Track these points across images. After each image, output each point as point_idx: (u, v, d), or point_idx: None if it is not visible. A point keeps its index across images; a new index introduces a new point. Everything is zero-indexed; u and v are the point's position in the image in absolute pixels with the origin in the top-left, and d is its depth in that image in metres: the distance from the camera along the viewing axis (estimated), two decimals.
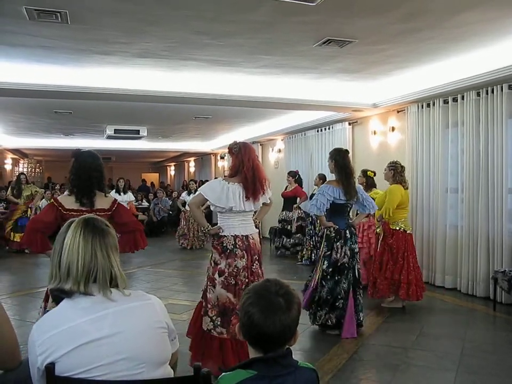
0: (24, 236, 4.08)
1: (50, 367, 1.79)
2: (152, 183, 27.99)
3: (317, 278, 5.68)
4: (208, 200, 4.42)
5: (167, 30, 5.49)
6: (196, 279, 9.13)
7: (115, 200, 4.14)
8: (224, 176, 4.69)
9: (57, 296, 1.95)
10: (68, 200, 3.92)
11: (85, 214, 3.67)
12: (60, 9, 4.75)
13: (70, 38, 5.70)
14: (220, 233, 4.42)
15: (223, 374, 1.75)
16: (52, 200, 4.12)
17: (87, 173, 3.96)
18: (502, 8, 4.84)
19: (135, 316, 1.97)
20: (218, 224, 4.50)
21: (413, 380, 4.48)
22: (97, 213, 3.82)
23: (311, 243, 10.23)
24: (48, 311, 3.69)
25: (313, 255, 10.11)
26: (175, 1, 4.60)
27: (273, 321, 1.73)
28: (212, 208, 4.50)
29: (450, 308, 6.94)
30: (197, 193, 4.58)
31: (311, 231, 10.30)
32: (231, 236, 4.38)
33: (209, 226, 4.56)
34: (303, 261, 10.32)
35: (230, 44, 5.96)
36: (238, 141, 4.63)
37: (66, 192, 4.10)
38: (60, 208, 3.87)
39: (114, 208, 4.03)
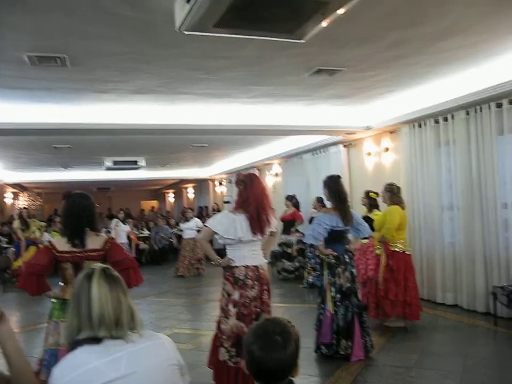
0: (20, 279, 4.06)
1: None
2: (152, 207, 28.18)
3: (330, 307, 5.67)
4: (216, 233, 4.51)
5: (161, 68, 5.69)
6: (199, 307, 9.23)
7: (108, 239, 4.12)
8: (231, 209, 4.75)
9: (76, 344, 2.07)
10: (60, 242, 3.95)
11: (77, 255, 3.82)
12: (59, 54, 4.97)
13: (68, 79, 5.91)
14: (231, 265, 4.53)
15: None
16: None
17: (77, 213, 3.97)
18: (481, 34, 5.04)
19: (148, 355, 2.10)
20: (227, 256, 4.59)
21: None
22: (90, 253, 3.89)
23: (311, 265, 10.30)
24: (47, 349, 3.82)
25: (310, 277, 10.21)
26: (166, 41, 4.78)
27: (271, 358, 1.90)
28: (220, 241, 4.57)
29: (451, 325, 7.01)
30: (205, 228, 4.67)
31: (309, 254, 10.39)
32: (242, 266, 4.47)
33: (219, 259, 4.63)
34: (306, 284, 10.38)
35: (222, 77, 6.15)
36: (242, 174, 4.73)
37: (59, 234, 4.14)
38: (54, 250, 3.92)
39: (107, 247, 4.00)
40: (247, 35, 4.06)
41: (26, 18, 4.11)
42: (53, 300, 4.03)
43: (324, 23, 3.80)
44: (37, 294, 3.98)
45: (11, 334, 2.18)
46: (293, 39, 4.07)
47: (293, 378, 1.99)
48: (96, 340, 2.05)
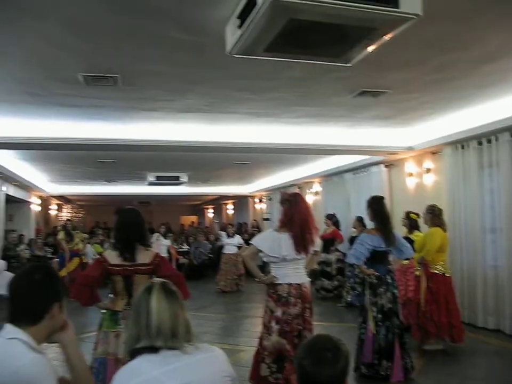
0: (73, 290, 4.23)
1: None
2: (192, 222, 28.47)
3: (372, 327, 5.67)
4: (261, 251, 4.61)
5: (208, 88, 5.85)
6: (238, 322, 9.31)
7: (157, 254, 4.27)
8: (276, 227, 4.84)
9: (135, 352, 2.20)
10: (112, 255, 4.11)
11: (127, 269, 3.97)
12: (112, 74, 5.19)
13: (119, 98, 6.14)
14: (274, 282, 4.60)
15: None
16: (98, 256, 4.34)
17: (127, 228, 4.15)
18: None
19: (203, 367, 2.22)
20: (271, 274, 4.67)
21: None
22: (139, 267, 4.06)
23: (349, 285, 10.30)
24: (97, 358, 3.97)
25: (349, 296, 10.21)
26: (215, 63, 4.94)
27: (322, 372, 2.00)
28: (264, 259, 4.67)
29: (493, 350, 6.92)
30: (250, 245, 4.77)
31: (348, 273, 10.39)
32: (286, 284, 4.55)
33: (263, 276, 4.72)
34: (344, 303, 10.37)
35: (267, 98, 6.28)
36: (288, 193, 4.83)
37: (110, 248, 4.33)
38: (105, 263, 4.09)
39: (156, 262, 4.15)
40: (294, 59, 4.18)
41: (83, 42, 4.33)
42: (103, 311, 4.19)
43: (371, 48, 3.90)
44: (88, 305, 4.18)
45: (73, 341, 2.32)
46: (340, 63, 4.16)
47: None
48: (153, 349, 2.16)
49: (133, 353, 2.20)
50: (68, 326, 2.33)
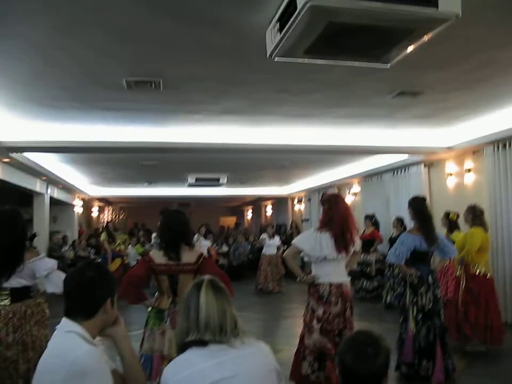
0: (120, 289, 4.27)
1: None
2: (228, 226, 28.56)
3: (412, 327, 5.66)
4: (302, 251, 4.68)
5: (248, 90, 5.95)
6: (278, 323, 9.37)
7: (201, 254, 4.37)
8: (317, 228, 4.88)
9: (185, 345, 2.30)
10: (157, 255, 4.23)
11: (173, 268, 4.08)
12: (154, 78, 5.33)
13: (160, 101, 6.28)
14: (316, 281, 4.67)
15: None
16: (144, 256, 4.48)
17: (172, 228, 4.25)
18: None
19: (250, 360, 2.30)
20: (313, 273, 4.74)
21: None
22: (184, 267, 4.16)
23: (389, 285, 10.26)
24: (143, 354, 4.09)
25: (389, 297, 10.17)
26: (255, 66, 5.04)
27: (362, 367, 2.08)
28: (305, 258, 4.76)
29: None
30: (292, 245, 4.83)
31: (388, 273, 10.35)
32: (327, 283, 4.62)
33: (305, 275, 4.78)
34: (384, 304, 10.33)
35: (307, 99, 6.34)
36: (329, 194, 4.89)
37: (155, 246, 4.46)
38: (151, 263, 4.21)
39: (200, 262, 4.23)
40: (334, 60, 4.23)
41: (126, 48, 4.48)
42: (149, 309, 4.32)
43: (410, 49, 3.92)
44: (135, 303, 4.30)
45: (125, 335, 2.44)
46: (379, 65, 4.20)
47: None
48: (202, 343, 2.26)
49: (183, 347, 2.31)
50: (120, 321, 2.45)
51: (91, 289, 2.29)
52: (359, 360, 2.08)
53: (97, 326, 2.32)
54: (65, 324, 2.25)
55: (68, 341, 2.16)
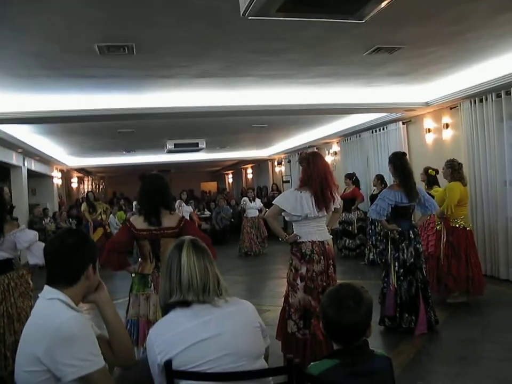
0: (102, 256, 4.27)
1: (168, 363, 2.17)
2: (209, 191, 28.55)
3: (394, 281, 5.77)
4: (284, 211, 4.69)
5: (224, 52, 5.87)
6: (263, 284, 9.47)
7: (182, 217, 4.40)
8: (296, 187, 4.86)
9: (168, 307, 2.32)
10: (138, 221, 4.23)
11: (154, 233, 4.07)
12: (127, 42, 5.23)
13: (135, 66, 6.17)
14: (298, 240, 4.70)
15: (311, 363, 2.16)
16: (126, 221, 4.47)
17: (151, 193, 4.24)
18: None
19: (234, 318, 2.33)
20: (294, 232, 4.76)
21: (481, 372, 4.60)
22: (165, 231, 4.17)
23: (371, 242, 10.40)
24: (129, 320, 4.12)
25: (371, 254, 10.32)
26: (229, 27, 4.95)
27: (344, 319, 2.13)
28: (287, 218, 4.75)
29: None
30: (273, 206, 4.83)
31: (370, 231, 10.47)
32: (309, 241, 4.64)
33: (287, 235, 4.80)
34: (367, 262, 10.47)
35: (283, 59, 6.27)
36: (306, 152, 4.89)
37: (136, 213, 4.44)
38: (132, 228, 4.20)
39: (181, 225, 4.25)
40: (308, 18, 4.18)
41: (98, 11, 4.36)
42: (133, 275, 4.33)
43: (384, 3, 3.87)
44: (118, 269, 4.30)
45: (108, 300, 2.45)
46: (354, 20, 4.15)
47: (367, 339, 2.21)
48: (185, 303, 2.28)
49: (167, 308, 2.33)
50: (103, 287, 2.45)
51: (72, 256, 2.28)
52: (342, 312, 2.12)
53: (80, 292, 2.32)
54: (48, 292, 2.24)
55: (51, 308, 2.16)
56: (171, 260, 2.37)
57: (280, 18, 4.06)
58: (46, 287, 2.26)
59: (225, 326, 2.28)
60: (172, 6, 4.34)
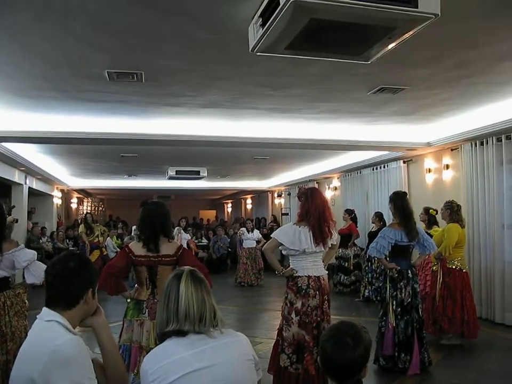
0: (100, 279, 4.25)
1: None
2: (208, 219, 28.54)
3: (392, 320, 5.76)
4: (282, 245, 4.72)
5: (230, 84, 5.95)
6: (257, 315, 9.44)
7: (180, 246, 4.43)
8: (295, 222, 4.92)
9: (164, 335, 2.35)
10: (137, 247, 4.27)
11: (152, 260, 4.10)
12: (136, 70, 5.33)
13: (142, 93, 6.26)
14: (294, 275, 4.71)
15: None
16: (124, 247, 4.50)
17: (152, 220, 4.28)
18: None
19: (229, 350, 2.36)
20: (291, 266, 4.78)
21: None
22: (163, 258, 4.20)
23: (367, 279, 10.39)
24: (121, 345, 4.13)
25: (366, 291, 10.30)
26: (237, 60, 5.05)
27: (341, 356, 2.15)
28: (284, 252, 4.78)
29: (510, 345, 6.96)
30: (271, 239, 4.87)
31: (367, 268, 10.46)
32: (305, 276, 4.67)
33: (283, 269, 4.81)
34: (362, 298, 10.45)
35: (288, 94, 6.36)
36: (305, 187, 4.95)
37: (134, 238, 4.48)
38: (130, 254, 4.24)
39: (179, 254, 4.28)
40: (315, 56, 4.27)
41: (109, 39, 4.45)
42: (128, 300, 4.35)
43: (390, 46, 3.97)
44: (114, 294, 4.30)
45: (105, 325, 2.47)
46: (360, 61, 4.25)
47: (361, 378, 2.22)
48: (182, 333, 2.31)
49: (162, 337, 2.36)
50: (100, 311, 2.48)
51: (73, 279, 2.31)
52: (338, 348, 2.15)
53: (78, 316, 2.34)
54: (46, 313, 2.26)
55: (49, 330, 2.18)
56: (169, 289, 2.41)
57: (288, 56, 4.15)
58: (45, 309, 2.28)
59: (220, 357, 2.30)
60: (181, 37, 4.43)
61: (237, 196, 25.40)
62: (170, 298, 2.37)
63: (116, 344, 2.54)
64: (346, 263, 11.39)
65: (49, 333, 2.16)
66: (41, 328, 2.22)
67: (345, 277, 11.37)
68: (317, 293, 4.64)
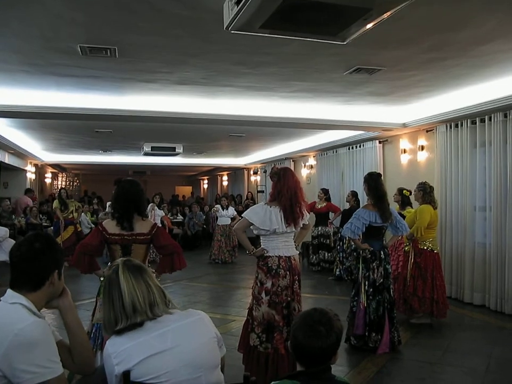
0: (73, 257, 4.34)
1: (127, 374, 2.18)
2: (183, 196, 28.47)
3: (364, 300, 5.82)
4: (252, 224, 4.72)
5: (206, 61, 5.89)
6: (230, 293, 9.46)
7: (154, 224, 4.38)
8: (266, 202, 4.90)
9: (117, 333, 2.32)
10: (110, 225, 4.23)
11: (126, 238, 4.07)
12: (110, 45, 5.23)
13: (116, 69, 6.16)
14: (264, 255, 4.72)
15: (272, 382, 2.16)
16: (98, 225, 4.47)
17: (126, 198, 4.24)
18: None
19: (190, 330, 2.38)
20: (262, 246, 4.78)
21: None
22: (137, 237, 4.17)
23: (338, 259, 10.48)
24: (95, 323, 4.12)
25: (337, 270, 10.41)
26: (212, 38, 4.99)
27: (312, 345, 2.15)
28: (255, 232, 4.77)
29: (478, 325, 7.10)
30: (242, 218, 4.85)
31: (338, 247, 10.54)
32: (276, 256, 4.66)
33: (254, 249, 4.80)
34: (334, 276, 10.55)
35: (264, 72, 6.32)
36: (277, 167, 4.93)
37: (108, 213, 4.44)
38: (104, 232, 4.21)
39: (153, 232, 4.26)
40: (290, 36, 4.21)
41: (82, 13, 4.36)
42: (101, 278, 4.31)
43: (367, 27, 3.94)
44: (87, 272, 4.29)
45: (71, 307, 2.45)
46: (336, 41, 4.21)
47: (331, 365, 2.23)
48: (136, 325, 2.30)
49: (117, 334, 2.33)
50: (67, 293, 2.45)
51: (38, 261, 2.28)
52: (311, 337, 2.15)
53: (44, 297, 2.31)
54: (10, 296, 2.23)
55: (13, 313, 2.15)
56: (110, 287, 2.37)
57: (263, 35, 4.10)
58: (9, 291, 2.25)
59: (182, 338, 2.31)
60: (156, 13, 4.35)
61: (213, 173, 25.35)
62: (114, 295, 2.34)
63: (82, 325, 2.52)
64: (328, 240, 11.40)
65: (12, 315, 2.13)
66: (4, 311, 2.18)
67: (329, 254, 11.36)
68: (287, 273, 4.65)
